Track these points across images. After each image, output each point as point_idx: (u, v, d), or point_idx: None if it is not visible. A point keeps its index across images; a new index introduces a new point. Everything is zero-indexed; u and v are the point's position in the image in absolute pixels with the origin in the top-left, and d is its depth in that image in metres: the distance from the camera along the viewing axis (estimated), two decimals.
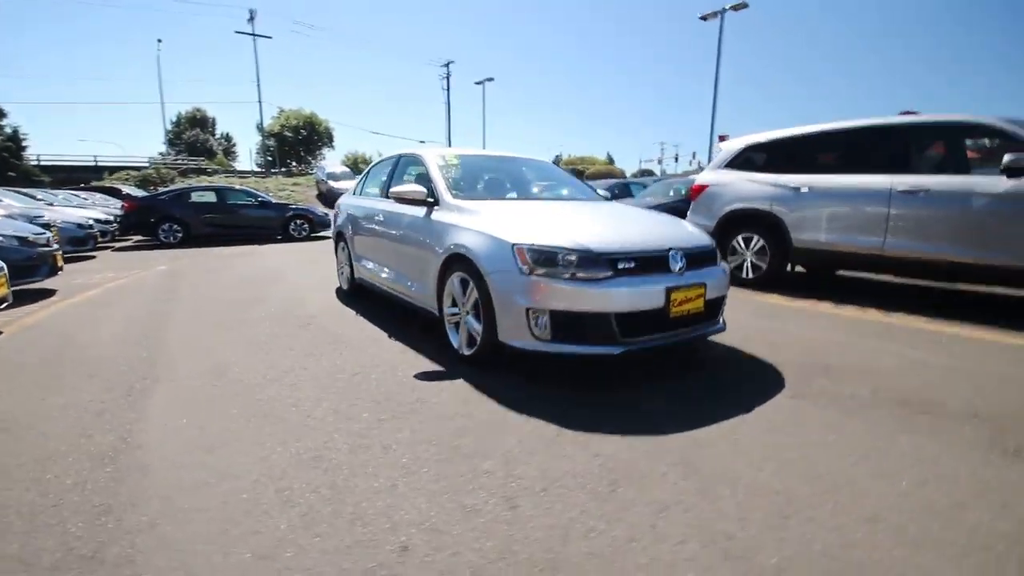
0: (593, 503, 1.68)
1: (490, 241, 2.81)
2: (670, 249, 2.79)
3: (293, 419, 2.34)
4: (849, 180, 4.76)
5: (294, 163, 39.21)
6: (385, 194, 4.34)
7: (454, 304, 3.17)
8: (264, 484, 1.81)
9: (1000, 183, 3.85)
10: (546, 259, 2.61)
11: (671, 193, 9.26)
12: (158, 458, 1.99)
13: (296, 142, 38.74)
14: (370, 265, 4.49)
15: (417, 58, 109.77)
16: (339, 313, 4.45)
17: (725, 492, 1.74)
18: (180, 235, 11.12)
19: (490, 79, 34.04)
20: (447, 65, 36.56)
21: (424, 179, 3.79)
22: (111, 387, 2.73)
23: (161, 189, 19.64)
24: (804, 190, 5.08)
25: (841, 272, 6.12)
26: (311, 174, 32.37)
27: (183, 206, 11.46)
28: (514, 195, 3.96)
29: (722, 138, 6.61)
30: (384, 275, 4.18)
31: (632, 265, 2.65)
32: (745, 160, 5.84)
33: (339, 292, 5.35)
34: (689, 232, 3.13)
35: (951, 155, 4.42)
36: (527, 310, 2.60)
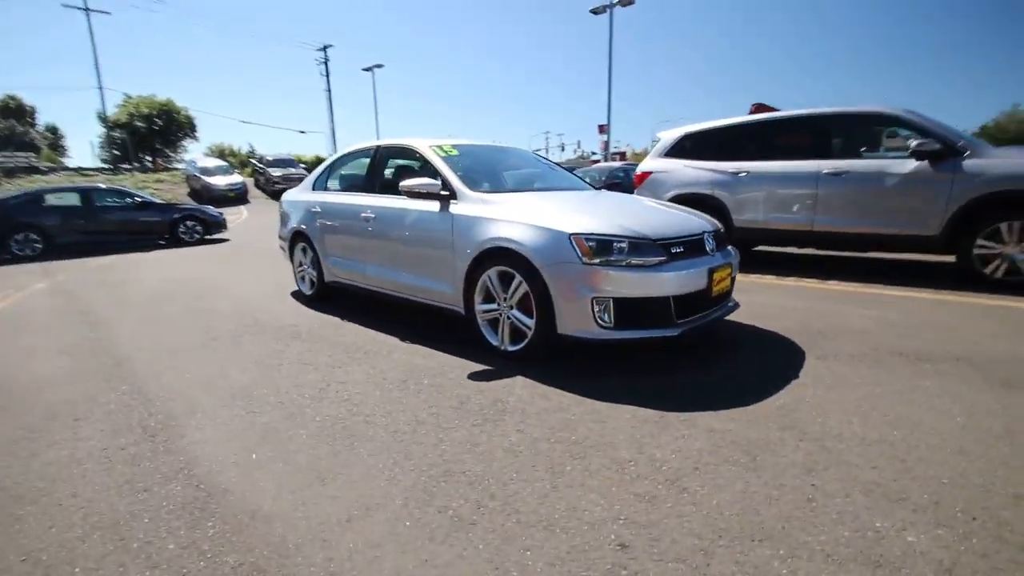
0: (748, 473, 1.80)
1: (542, 233, 2.78)
2: (703, 232, 2.99)
3: (381, 436, 2.15)
4: (782, 165, 5.40)
5: (149, 157, 34.23)
6: (375, 189, 4.04)
7: (488, 300, 3.09)
8: (419, 506, 1.66)
9: (908, 165, 4.65)
10: (604, 247, 2.66)
11: (603, 179, 9.75)
12: (268, 501, 1.73)
13: (150, 133, 33.77)
14: (352, 265, 4.17)
15: (293, 43, 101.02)
16: (322, 320, 4.09)
17: (841, 446, 1.96)
18: (39, 247, 9.25)
19: (379, 66, 32.60)
20: (324, 49, 34.31)
21: (427, 171, 3.61)
22: (118, 430, 2.27)
23: None
24: (742, 175, 5.67)
25: (759, 248, 6.93)
26: (176, 169, 28.62)
27: (39, 211, 9.51)
28: (532, 185, 3.89)
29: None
30: (375, 274, 3.92)
31: (681, 249, 2.81)
32: (683, 148, 6.34)
33: (300, 297, 4.89)
34: (702, 217, 3.37)
35: (867, 141, 5.23)
36: (592, 300, 2.63)
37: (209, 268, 7.11)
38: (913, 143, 4.56)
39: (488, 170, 3.84)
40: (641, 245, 2.69)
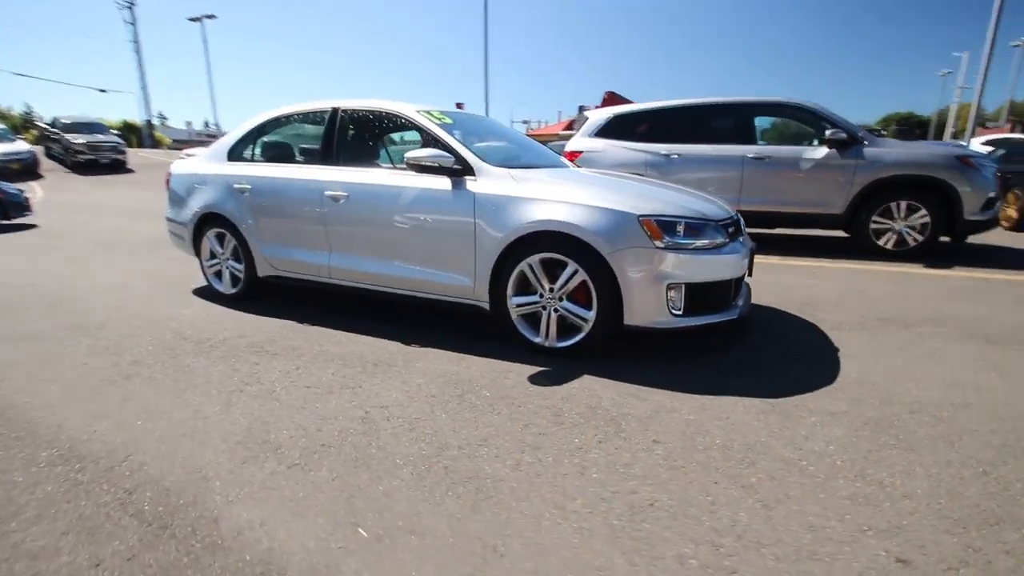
0: (911, 454, 1.79)
1: (605, 215, 2.48)
2: (737, 213, 2.98)
3: (509, 475, 1.71)
4: (712, 149, 5.75)
5: None
6: (336, 161, 3.27)
7: (524, 292, 2.71)
8: (650, 561, 1.31)
9: (820, 152, 5.26)
10: (672, 229, 2.47)
11: None
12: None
13: None
14: (305, 255, 3.38)
15: None
16: (275, 326, 3.24)
17: (947, 414, 2.07)
18: None
19: (210, 16, 27.63)
20: None
21: (427, 142, 3.01)
22: (106, 547, 1.46)
23: None
24: (674, 157, 5.92)
25: None
26: None
27: None
28: (522, 161, 3.47)
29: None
30: (348, 266, 3.23)
31: (733, 231, 2.74)
32: (613, 129, 6.41)
33: (215, 297, 3.87)
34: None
35: (783, 129, 5.81)
36: (667, 286, 2.43)
37: (35, 264, 5.29)
38: (828, 132, 5.17)
39: (485, 142, 3.36)
40: (706, 227, 2.55)
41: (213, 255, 3.89)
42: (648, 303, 2.46)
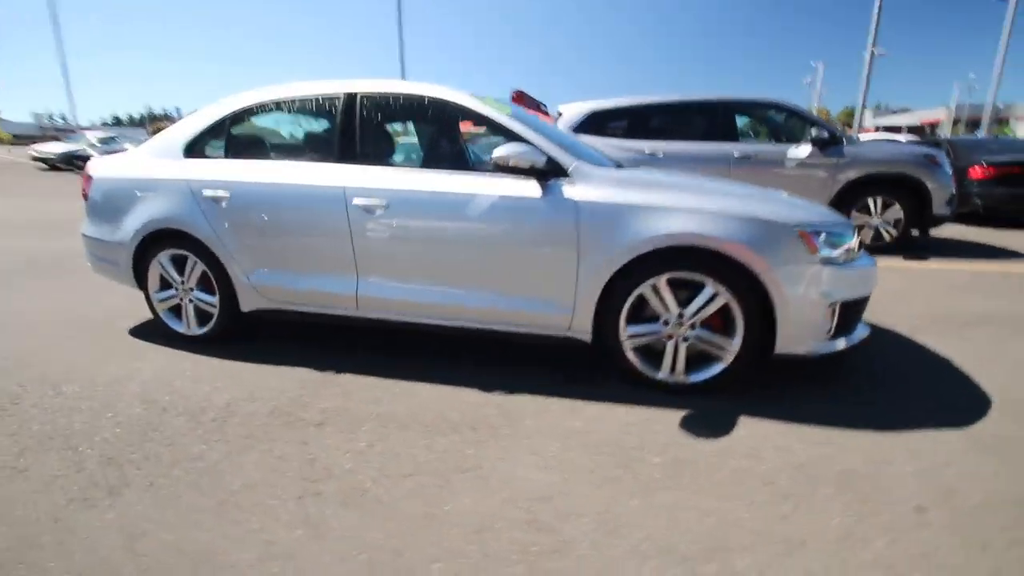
0: None
1: (756, 226, 2.08)
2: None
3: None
4: (697, 147, 5.63)
5: None
6: (351, 158, 2.53)
7: (639, 319, 2.23)
8: None
9: (804, 150, 5.35)
10: (823, 240, 2.13)
11: None
12: None
13: None
14: (326, 282, 2.58)
15: None
16: (298, 383, 2.42)
17: None
18: None
19: None
20: None
21: (497, 131, 2.40)
22: None
23: None
24: (659, 155, 5.73)
25: None
26: None
27: None
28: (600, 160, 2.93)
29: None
30: (386, 296, 2.51)
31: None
32: (591, 125, 6.07)
33: (178, 341, 2.88)
34: None
35: (764, 127, 5.86)
36: (830, 306, 2.10)
37: None
38: (814, 131, 5.26)
39: (556, 135, 2.77)
40: (844, 235, 2.25)
41: (167, 285, 2.90)
42: (806, 327, 2.11)
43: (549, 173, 2.27)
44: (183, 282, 2.85)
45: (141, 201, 2.82)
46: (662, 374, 2.25)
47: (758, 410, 2.09)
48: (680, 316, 2.17)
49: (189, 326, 2.90)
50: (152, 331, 3.03)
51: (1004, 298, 3.72)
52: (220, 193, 2.65)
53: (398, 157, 2.92)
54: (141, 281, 2.93)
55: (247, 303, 2.76)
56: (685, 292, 2.17)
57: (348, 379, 2.43)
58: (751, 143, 5.62)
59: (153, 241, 2.83)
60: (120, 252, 2.90)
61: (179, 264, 2.84)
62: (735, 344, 2.14)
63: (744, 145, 5.53)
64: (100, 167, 3.04)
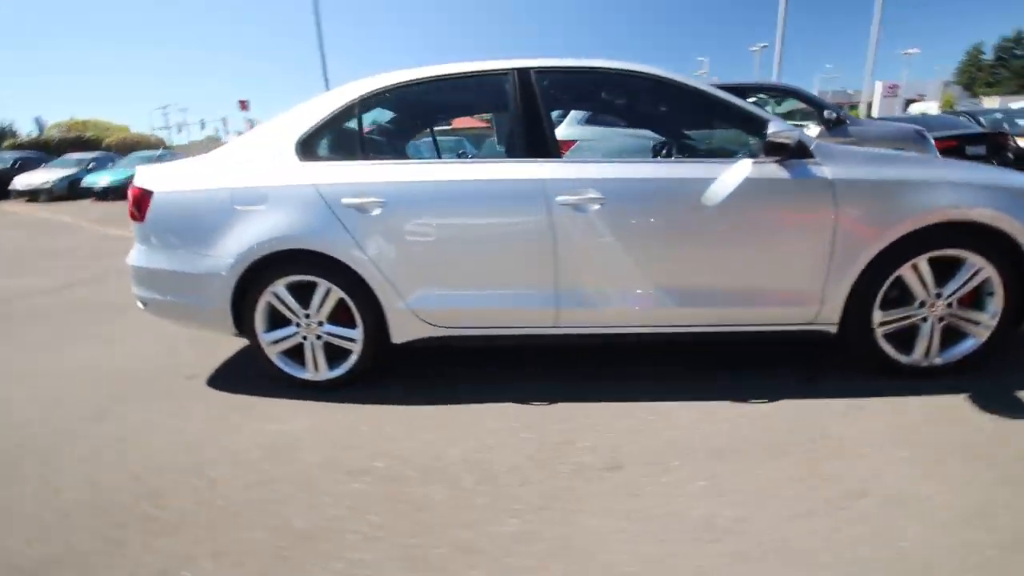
0: None
1: (1016, 193, 2.03)
2: None
3: None
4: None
5: None
6: (525, 150, 2.16)
7: (889, 304, 2.11)
8: None
9: (815, 131, 5.61)
10: None
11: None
12: None
13: None
14: (516, 297, 2.16)
15: None
16: (502, 430, 1.99)
17: None
18: None
19: None
20: None
21: (729, 114, 2.14)
22: None
23: None
24: None
25: None
26: None
27: None
28: None
29: None
30: (596, 303, 2.16)
31: None
32: (600, 117, 5.97)
33: (291, 392, 2.29)
34: None
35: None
36: None
37: None
38: (827, 112, 5.53)
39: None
40: None
41: (279, 322, 2.29)
42: None
43: (796, 153, 2.06)
44: (307, 316, 2.26)
45: (245, 217, 2.19)
46: (915, 357, 2.14)
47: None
48: (938, 295, 2.08)
49: (317, 369, 2.32)
50: (237, 381, 2.42)
51: None
52: (368, 200, 2.12)
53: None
54: (243, 323, 2.29)
55: (401, 333, 2.25)
56: (937, 270, 2.07)
57: (573, 409, 2.05)
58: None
59: (263, 268, 2.21)
60: (210, 285, 2.24)
61: (301, 295, 2.26)
62: (990, 319, 2.08)
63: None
64: (165, 178, 2.34)
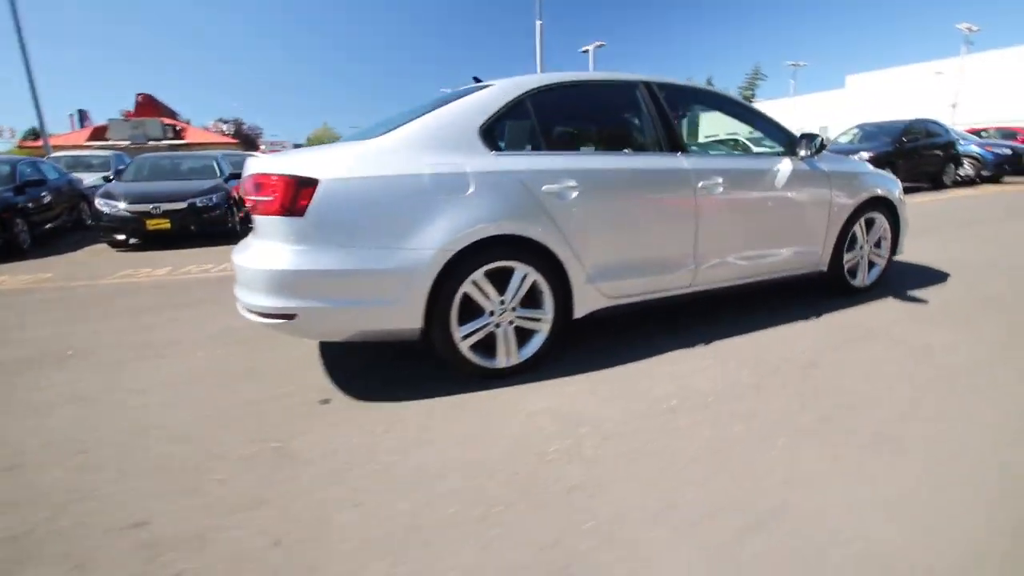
0: None
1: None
2: None
3: None
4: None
5: None
6: (656, 146, 2.68)
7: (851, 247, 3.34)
8: None
9: None
10: None
11: None
12: None
13: None
14: (668, 266, 2.63)
15: None
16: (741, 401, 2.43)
17: None
18: None
19: None
20: None
21: (769, 125, 2.97)
22: None
23: None
24: None
25: None
26: None
27: None
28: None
29: None
30: (715, 266, 2.78)
31: None
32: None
33: (463, 384, 2.26)
34: None
35: None
36: None
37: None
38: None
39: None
40: None
41: (468, 314, 2.23)
42: None
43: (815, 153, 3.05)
44: (502, 302, 2.27)
45: (441, 206, 2.10)
46: (856, 281, 3.42)
47: None
48: (867, 241, 3.38)
49: (508, 355, 2.33)
50: (372, 392, 2.25)
51: None
52: (567, 185, 2.30)
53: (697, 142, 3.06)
54: (438, 315, 2.15)
55: (584, 307, 2.47)
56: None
57: (725, 344, 2.64)
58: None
59: (460, 258, 2.14)
60: (405, 281, 2.07)
61: (498, 282, 2.26)
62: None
63: None
64: (327, 165, 2.00)
